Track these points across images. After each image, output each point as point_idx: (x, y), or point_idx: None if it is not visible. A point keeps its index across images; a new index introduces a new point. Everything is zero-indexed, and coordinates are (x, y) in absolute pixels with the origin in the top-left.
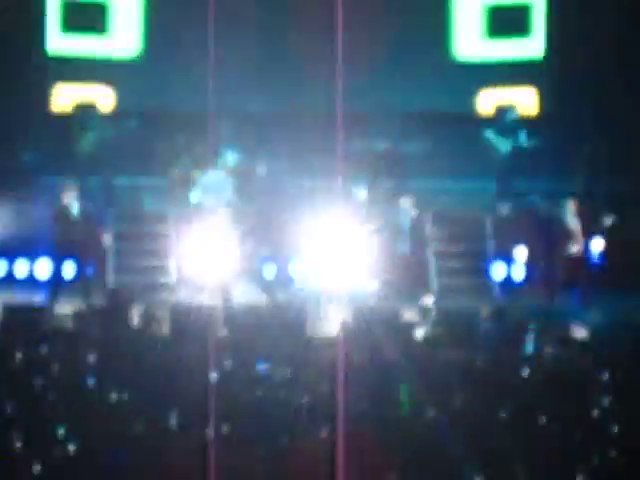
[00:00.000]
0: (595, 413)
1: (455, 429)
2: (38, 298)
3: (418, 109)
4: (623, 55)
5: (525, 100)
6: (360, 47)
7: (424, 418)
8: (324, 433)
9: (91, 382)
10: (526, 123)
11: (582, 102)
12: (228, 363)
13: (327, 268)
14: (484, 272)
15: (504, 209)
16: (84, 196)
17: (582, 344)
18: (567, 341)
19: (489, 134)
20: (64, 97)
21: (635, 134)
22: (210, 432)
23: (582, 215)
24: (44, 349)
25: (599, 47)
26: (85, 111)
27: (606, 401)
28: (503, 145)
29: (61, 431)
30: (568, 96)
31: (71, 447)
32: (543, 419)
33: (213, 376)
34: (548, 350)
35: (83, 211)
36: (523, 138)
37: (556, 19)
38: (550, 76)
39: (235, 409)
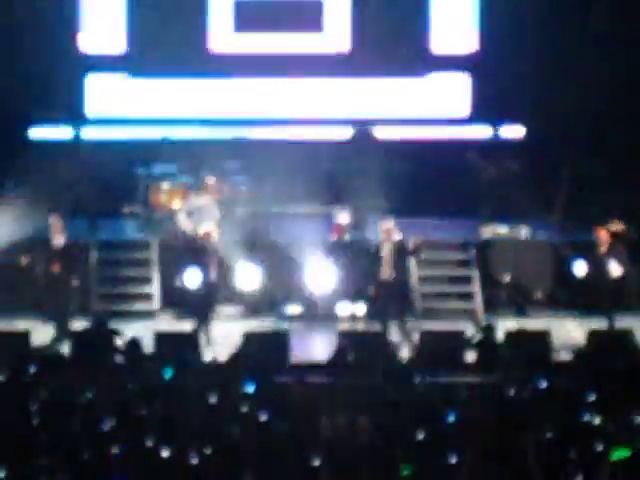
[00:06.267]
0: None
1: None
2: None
3: None
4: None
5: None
6: None
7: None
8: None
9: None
10: (508, 147)
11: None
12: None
13: (312, 291)
14: (468, 296)
15: (487, 234)
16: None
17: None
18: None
19: (472, 158)
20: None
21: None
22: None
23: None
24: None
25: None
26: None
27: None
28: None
29: None
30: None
31: None
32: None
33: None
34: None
35: (66, 242)
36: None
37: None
38: None
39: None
